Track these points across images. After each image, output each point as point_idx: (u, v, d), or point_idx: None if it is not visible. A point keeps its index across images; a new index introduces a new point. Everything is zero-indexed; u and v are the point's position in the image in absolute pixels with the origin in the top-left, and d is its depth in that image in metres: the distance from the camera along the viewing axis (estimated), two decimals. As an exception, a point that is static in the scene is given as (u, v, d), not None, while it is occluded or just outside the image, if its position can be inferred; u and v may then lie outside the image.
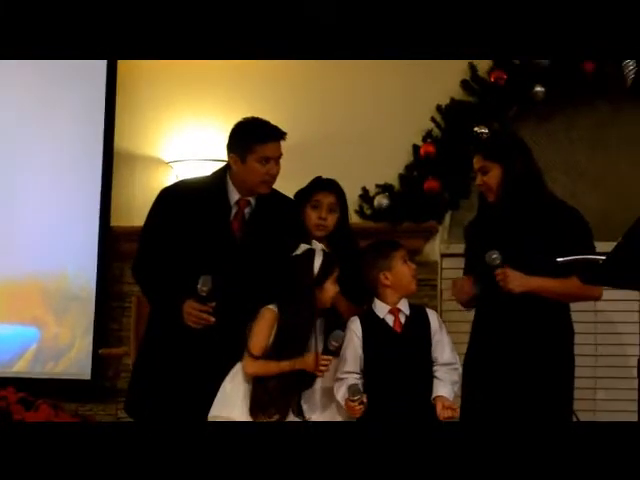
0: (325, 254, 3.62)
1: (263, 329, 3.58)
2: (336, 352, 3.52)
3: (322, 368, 3.50)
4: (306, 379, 3.54)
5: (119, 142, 5.48)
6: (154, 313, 3.94)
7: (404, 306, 3.64)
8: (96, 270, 5.33)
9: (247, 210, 3.81)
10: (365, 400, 3.45)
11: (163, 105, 5.40)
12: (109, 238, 5.31)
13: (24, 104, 5.48)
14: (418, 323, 3.63)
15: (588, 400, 4.81)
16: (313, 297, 3.57)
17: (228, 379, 3.58)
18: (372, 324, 3.63)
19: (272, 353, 3.54)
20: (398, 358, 3.54)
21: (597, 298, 3.80)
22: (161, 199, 3.89)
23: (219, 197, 3.79)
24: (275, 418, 3.48)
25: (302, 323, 3.56)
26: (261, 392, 3.52)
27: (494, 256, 3.58)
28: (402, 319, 3.62)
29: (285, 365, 3.50)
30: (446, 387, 3.53)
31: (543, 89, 4.98)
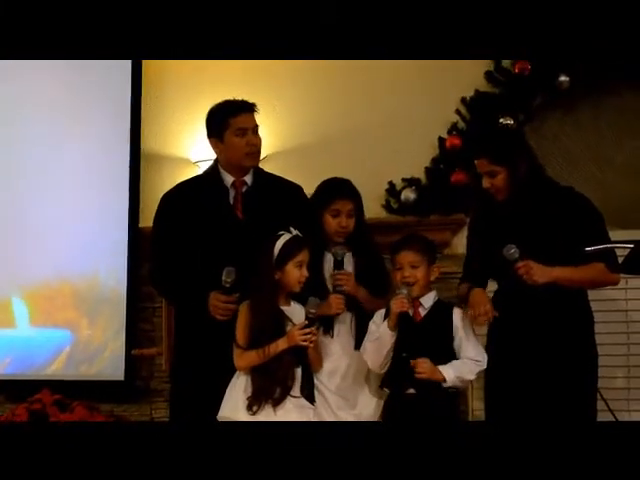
0: (290, 237, 3.65)
1: (241, 321, 3.64)
2: (315, 320, 3.58)
3: (304, 337, 3.54)
4: (299, 355, 3.59)
5: (146, 143, 5.52)
6: (180, 319, 4.00)
7: (427, 300, 3.72)
8: (127, 271, 5.37)
9: (244, 189, 3.90)
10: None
11: (189, 105, 5.42)
12: (139, 239, 5.33)
13: (53, 108, 5.52)
14: (439, 317, 3.71)
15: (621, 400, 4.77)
16: (272, 281, 3.61)
17: (233, 378, 3.65)
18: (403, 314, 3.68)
19: (251, 343, 3.59)
20: (414, 347, 3.61)
21: (615, 283, 3.79)
22: (162, 205, 4.01)
23: (215, 184, 3.91)
24: (277, 395, 3.52)
25: (264, 307, 3.61)
26: (258, 378, 3.57)
27: (512, 250, 3.58)
28: (422, 312, 3.71)
29: (264, 351, 3.55)
30: (448, 366, 3.59)
31: (568, 78, 4.95)
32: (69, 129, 5.50)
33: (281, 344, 3.56)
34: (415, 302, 3.70)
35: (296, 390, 3.58)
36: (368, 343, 3.68)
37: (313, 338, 3.56)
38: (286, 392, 3.55)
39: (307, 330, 3.55)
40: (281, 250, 3.62)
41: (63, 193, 5.47)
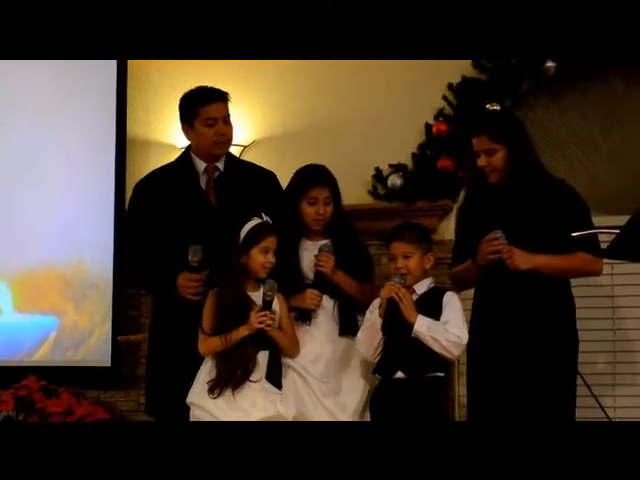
0: (257, 223, 3.66)
1: (207, 307, 3.66)
2: (271, 303, 3.58)
3: (261, 319, 3.55)
4: (264, 339, 3.60)
5: (132, 129, 5.51)
6: (157, 306, 4.00)
7: (420, 287, 3.72)
8: (113, 257, 5.35)
9: (217, 174, 3.92)
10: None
11: (175, 90, 5.37)
12: (125, 225, 5.32)
13: (38, 96, 5.51)
14: (430, 302, 3.69)
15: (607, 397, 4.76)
16: (237, 265, 3.62)
17: (202, 364, 3.67)
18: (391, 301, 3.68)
19: (217, 328, 3.60)
20: (403, 331, 3.60)
21: (598, 273, 3.79)
22: (135, 193, 4.02)
23: (187, 170, 3.91)
24: (239, 374, 3.53)
25: (229, 291, 3.62)
26: (220, 363, 3.59)
27: (498, 235, 3.59)
28: (414, 298, 3.68)
29: (227, 337, 3.56)
30: (426, 319, 3.57)
31: (554, 64, 4.94)
32: (55, 116, 5.49)
33: (242, 331, 3.57)
34: (409, 290, 3.68)
35: (257, 375, 3.58)
36: (360, 331, 3.69)
37: (269, 322, 3.56)
38: (245, 376, 3.56)
39: (262, 313, 3.56)
40: (247, 235, 3.64)
41: (49, 179, 5.46)
